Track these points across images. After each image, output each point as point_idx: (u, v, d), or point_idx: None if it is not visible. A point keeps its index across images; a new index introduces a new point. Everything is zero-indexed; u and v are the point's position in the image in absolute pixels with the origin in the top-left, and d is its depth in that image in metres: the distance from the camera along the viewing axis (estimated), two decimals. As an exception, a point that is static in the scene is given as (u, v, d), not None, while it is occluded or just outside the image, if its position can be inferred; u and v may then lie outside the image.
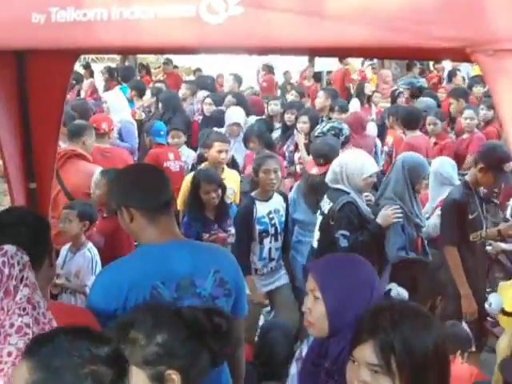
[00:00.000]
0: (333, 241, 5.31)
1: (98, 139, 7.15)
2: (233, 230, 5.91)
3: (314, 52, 2.35)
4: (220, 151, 6.81)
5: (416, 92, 12.67)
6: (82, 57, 13.01)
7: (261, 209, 5.79)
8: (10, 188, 3.99)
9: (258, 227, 5.77)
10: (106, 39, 1.62)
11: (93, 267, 5.07)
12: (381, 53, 2.40)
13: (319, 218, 5.63)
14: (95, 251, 5.16)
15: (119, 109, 9.20)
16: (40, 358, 1.64)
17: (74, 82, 13.21)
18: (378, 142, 9.44)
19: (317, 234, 5.65)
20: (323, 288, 2.57)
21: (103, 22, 1.58)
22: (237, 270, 3.18)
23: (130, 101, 11.07)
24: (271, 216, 5.82)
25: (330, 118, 9.01)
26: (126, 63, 15.94)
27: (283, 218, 5.94)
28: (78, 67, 15.01)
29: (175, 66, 16.87)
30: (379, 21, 1.70)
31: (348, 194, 5.37)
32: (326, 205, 5.53)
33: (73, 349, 1.64)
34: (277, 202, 5.91)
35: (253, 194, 5.91)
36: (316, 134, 7.59)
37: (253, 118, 9.88)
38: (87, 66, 16.06)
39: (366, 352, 2.10)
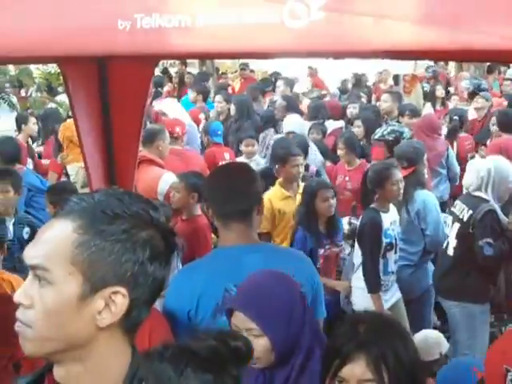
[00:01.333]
0: (471, 249, 5.27)
1: (172, 143, 7.31)
2: (344, 244, 5.77)
3: (394, 55, 2.32)
4: (295, 165, 6.30)
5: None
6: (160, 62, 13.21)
7: (385, 221, 5.49)
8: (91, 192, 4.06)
9: (384, 240, 5.46)
10: (190, 45, 1.65)
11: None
12: (462, 55, 2.36)
13: (455, 226, 5.52)
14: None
15: (176, 115, 9.32)
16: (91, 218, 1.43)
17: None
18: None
19: (453, 242, 5.54)
20: (263, 325, 2.41)
21: (187, 28, 1.61)
22: (313, 274, 3.15)
23: (190, 103, 11.26)
24: (392, 227, 5.57)
25: (398, 122, 8.89)
26: (204, 68, 16.11)
27: (399, 229, 5.69)
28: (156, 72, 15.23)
29: (252, 70, 16.96)
30: (462, 23, 1.67)
31: (487, 201, 5.29)
32: (463, 212, 5.42)
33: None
34: (393, 213, 5.68)
35: (373, 205, 5.55)
36: (376, 137, 7.53)
37: (332, 123, 9.80)
38: (165, 71, 16.30)
39: (358, 369, 2.09)
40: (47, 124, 9.60)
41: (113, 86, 3.80)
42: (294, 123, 8.71)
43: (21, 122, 9.11)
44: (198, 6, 1.64)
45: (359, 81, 16.42)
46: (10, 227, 5.56)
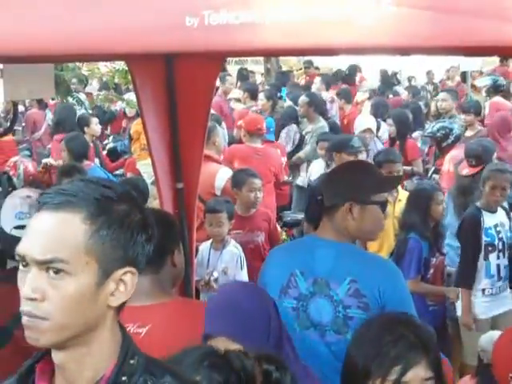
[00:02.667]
0: None
1: (251, 139, 7.34)
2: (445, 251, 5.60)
3: (468, 51, 2.27)
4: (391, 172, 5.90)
5: None
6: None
7: (488, 220, 5.33)
8: (158, 188, 4.12)
9: (484, 238, 5.29)
10: (258, 42, 1.64)
11: (241, 263, 5.17)
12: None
13: None
14: (239, 247, 5.26)
15: None
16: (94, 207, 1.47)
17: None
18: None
19: None
20: (246, 343, 2.28)
21: (255, 24, 1.60)
22: (382, 282, 3.01)
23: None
24: (498, 229, 5.38)
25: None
26: (268, 66, 16.11)
27: (509, 233, 5.49)
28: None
29: (316, 68, 16.88)
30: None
31: None
32: None
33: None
34: (501, 215, 5.50)
35: (478, 204, 5.41)
36: (426, 134, 7.46)
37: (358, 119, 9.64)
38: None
39: (422, 371, 2.13)
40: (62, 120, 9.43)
41: (179, 83, 3.82)
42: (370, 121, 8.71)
43: (83, 123, 9.22)
44: (266, 2, 1.63)
45: (386, 77, 16.28)
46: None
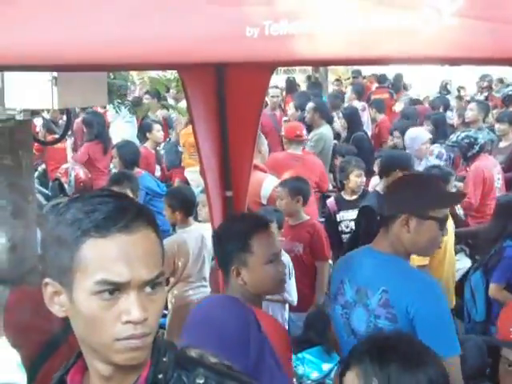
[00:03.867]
0: None
1: (292, 145, 7.34)
2: None
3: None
4: None
5: None
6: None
7: None
8: (207, 196, 4.13)
9: None
10: (319, 52, 1.62)
11: (289, 271, 5.18)
12: None
13: None
14: (287, 256, 5.27)
15: None
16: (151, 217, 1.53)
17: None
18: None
19: None
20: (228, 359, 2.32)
21: (315, 34, 1.59)
22: (416, 299, 2.93)
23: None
24: None
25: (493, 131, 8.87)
26: (317, 75, 16.11)
27: None
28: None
29: (364, 77, 16.82)
30: None
31: None
32: None
33: None
34: None
35: None
36: (450, 143, 7.45)
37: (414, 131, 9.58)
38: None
39: None
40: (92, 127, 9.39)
41: (230, 91, 3.84)
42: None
43: (145, 129, 9.28)
44: (327, 12, 1.61)
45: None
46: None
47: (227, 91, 3.84)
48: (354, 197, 6.77)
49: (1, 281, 3.56)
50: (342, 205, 6.76)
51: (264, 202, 6.13)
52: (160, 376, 1.53)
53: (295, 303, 5.31)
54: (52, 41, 1.91)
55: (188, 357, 1.62)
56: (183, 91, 4.06)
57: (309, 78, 16.79)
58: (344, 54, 1.68)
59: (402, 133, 8.84)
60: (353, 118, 10.44)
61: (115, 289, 1.44)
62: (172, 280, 5.42)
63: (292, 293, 5.26)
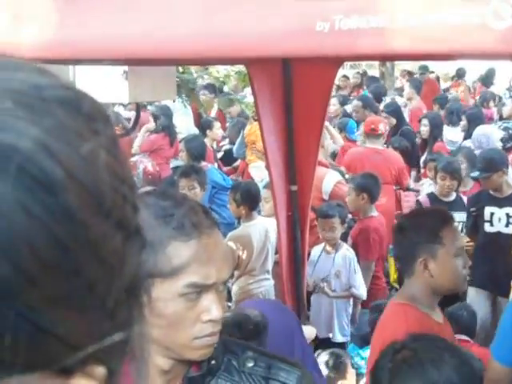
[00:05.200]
0: None
1: (373, 140, 7.31)
2: None
3: None
4: None
5: None
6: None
7: None
8: (272, 190, 4.15)
9: None
10: (387, 46, 1.63)
11: (354, 266, 5.17)
12: None
13: None
14: (352, 251, 5.25)
15: None
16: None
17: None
18: None
19: None
20: None
21: (385, 29, 1.59)
22: None
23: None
24: None
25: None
26: (383, 69, 15.95)
27: None
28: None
29: (432, 72, 16.57)
30: None
31: None
32: None
33: None
34: None
35: None
36: None
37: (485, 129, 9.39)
38: (365, 74, 16.26)
39: None
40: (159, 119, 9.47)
41: (296, 86, 3.85)
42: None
43: (205, 127, 9.35)
44: (398, 6, 1.62)
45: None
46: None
47: (294, 86, 3.85)
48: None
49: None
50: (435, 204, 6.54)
51: (326, 197, 6.10)
52: (213, 362, 1.56)
53: (364, 297, 5.28)
54: (126, 35, 1.96)
55: (236, 341, 1.66)
56: (250, 86, 4.08)
57: (365, 73, 16.60)
58: (413, 49, 1.68)
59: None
60: (397, 113, 10.31)
61: (201, 290, 1.48)
62: (236, 273, 5.46)
63: (360, 287, 5.24)
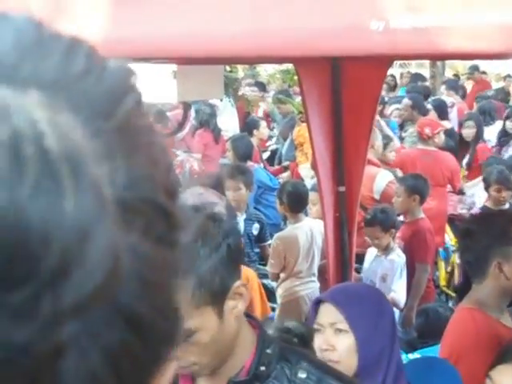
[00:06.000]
0: None
1: (421, 142, 7.25)
2: None
3: None
4: None
5: None
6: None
7: None
8: (319, 191, 4.12)
9: None
10: (442, 46, 1.59)
11: (400, 272, 5.11)
12: None
13: None
14: (403, 256, 5.19)
15: None
16: None
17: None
18: None
19: None
20: (351, 318, 2.28)
21: (441, 28, 1.55)
22: None
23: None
24: None
25: None
26: (433, 70, 15.76)
27: None
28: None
29: (483, 72, 16.32)
30: None
31: None
32: None
33: None
34: None
35: None
36: None
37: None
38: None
39: None
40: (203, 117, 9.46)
41: (345, 86, 3.80)
42: None
43: (252, 126, 9.33)
44: (452, 5, 1.58)
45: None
46: (241, 223, 5.74)
47: (342, 85, 3.81)
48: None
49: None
50: None
51: (377, 196, 6.06)
52: (262, 368, 1.57)
53: (401, 305, 5.19)
54: (175, 34, 1.95)
55: (293, 350, 1.67)
56: (299, 85, 4.06)
57: (433, 74, 16.41)
58: (468, 49, 1.63)
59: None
60: (442, 111, 10.16)
61: None
62: (282, 275, 5.44)
63: (400, 293, 5.16)
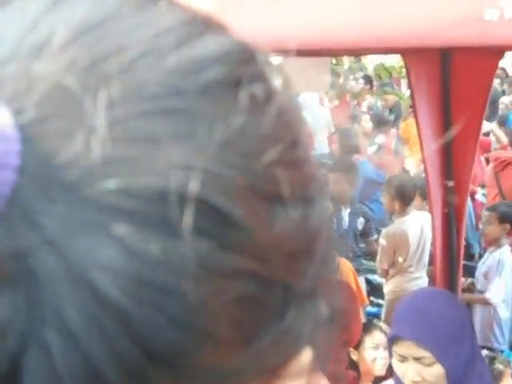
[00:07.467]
0: None
1: None
2: None
3: None
4: None
5: None
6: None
7: None
8: (427, 185, 4.04)
9: None
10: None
11: (501, 271, 4.95)
12: None
13: None
14: (507, 254, 5.03)
15: None
16: None
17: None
18: None
19: None
20: (437, 352, 2.19)
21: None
22: None
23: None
24: None
25: None
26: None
27: None
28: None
29: None
30: None
31: None
32: None
33: None
34: None
35: None
36: None
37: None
38: None
39: None
40: None
41: (455, 77, 3.71)
42: None
43: (354, 120, 9.27)
44: None
45: None
46: (346, 217, 5.70)
47: (452, 77, 3.72)
48: None
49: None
50: None
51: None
52: None
53: (495, 304, 5.00)
54: (281, 26, 1.95)
55: None
56: (407, 78, 3.99)
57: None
58: None
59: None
60: None
61: None
62: (391, 271, 5.37)
63: (496, 293, 4.98)
